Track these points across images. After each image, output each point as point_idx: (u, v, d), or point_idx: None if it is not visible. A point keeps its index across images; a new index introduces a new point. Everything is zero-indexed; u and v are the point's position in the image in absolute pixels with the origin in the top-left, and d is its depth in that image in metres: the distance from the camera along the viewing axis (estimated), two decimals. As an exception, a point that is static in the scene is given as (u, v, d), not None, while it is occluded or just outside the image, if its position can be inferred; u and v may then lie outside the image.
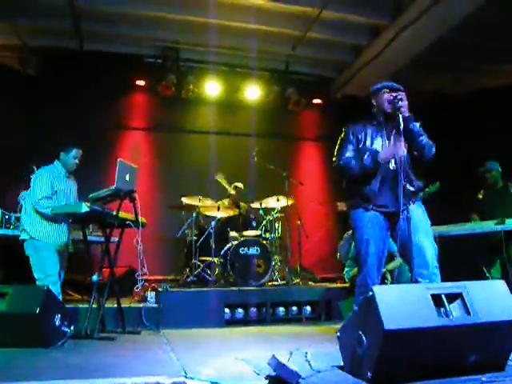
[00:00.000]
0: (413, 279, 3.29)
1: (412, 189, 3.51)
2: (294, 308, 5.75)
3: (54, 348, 3.70)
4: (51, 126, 7.09)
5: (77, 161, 4.82)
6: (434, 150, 3.60)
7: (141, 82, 8.13)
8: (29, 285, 4.40)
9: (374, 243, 3.57)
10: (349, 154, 3.67)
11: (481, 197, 6.24)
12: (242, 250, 6.12)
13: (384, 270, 5.51)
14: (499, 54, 7.35)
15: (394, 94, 3.52)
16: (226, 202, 7.16)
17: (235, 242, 6.20)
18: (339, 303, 5.73)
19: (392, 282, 5.54)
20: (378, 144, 3.63)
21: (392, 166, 3.57)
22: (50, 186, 4.62)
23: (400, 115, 3.43)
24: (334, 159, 3.78)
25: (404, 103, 3.48)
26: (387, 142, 3.63)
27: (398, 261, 5.44)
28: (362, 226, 3.63)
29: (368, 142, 3.65)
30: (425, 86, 8.29)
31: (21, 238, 4.66)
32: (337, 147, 3.81)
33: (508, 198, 5.99)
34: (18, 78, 7.39)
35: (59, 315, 3.90)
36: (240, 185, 7.27)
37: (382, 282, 5.46)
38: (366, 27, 7.40)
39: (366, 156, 3.54)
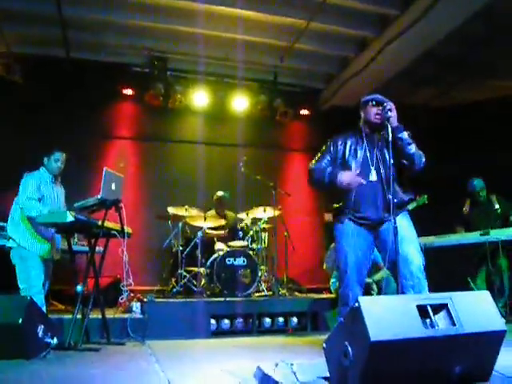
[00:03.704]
0: (399, 289, 3.29)
1: (396, 201, 3.52)
2: (281, 319, 5.71)
3: (37, 360, 3.64)
4: (37, 133, 7.03)
5: (59, 164, 4.79)
6: (423, 159, 3.61)
7: (128, 91, 8.10)
8: (12, 295, 4.33)
9: (353, 254, 3.58)
10: (324, 163, 3.75)
11: (466, 210, 6.31)
12: (229, 261, 6.09)
13: (370, 280, 5.54)
14: (484, 68, 7.47)
15: (384, 105, 3.55)
16: (212, 212, 7.14)
17: (221, 253, 6.17)
18: (326, 314, 5.71)
19: (378, 293, 5.56)
20: (357, 156, 3.67)
21: (372, 177, 3.60)
22: (38, 189, 4.60)
23: (389, 125, 3.46)
24: (311, 164, 3.84)
25: (393, 113, 3.51)
26: (368, 154, 3.66)
27: (384, 271, 5.45)
28: (342, 238, 3.65)
29: (347, 154, 3.69)
30: (412, 99, 8.39)
31: (7, 245, 4.63)
32: (316, 156, 3.86)
33: (492, 211, 6.07)
34: (2, 86, 7.33)
35: (42, 326, 3.84)
36: (221, 193, 7.26)
37: (368, 292, 5.50)
38: (354, 39, 7.48)
39: (327, 173, 3.61)
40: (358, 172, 3.59)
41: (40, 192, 4.62)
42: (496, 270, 5.75)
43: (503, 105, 7.72)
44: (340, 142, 3.76)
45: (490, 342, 2.54)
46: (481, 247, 5.72)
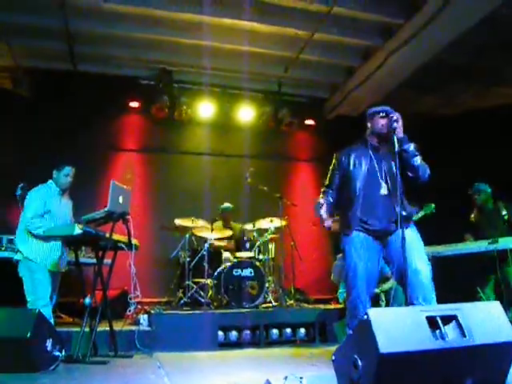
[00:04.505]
0: (408, 301, 3.27)
1: (404, 213, 3.50)
2: (288, 330, 5.67)
3: (45, 373, 3.63)
4: (44, 146, 7.09)
5: (69, 179, 4.82)
6: (428, 171, 3.61)
7: (134, 104, 8.14)
8: (20, 308, 4.34)
9: (363, 266, 3.56)
10: (334, 184, 3.82)
11: (473, 218, 6.28)
12: (236, 272, 6.08)
13: (378, 290, 5.50)
14: (488, 75, 7.46)
15: (390, 115, 3.55)
16: (219, 223, 7.13)
17: (228, 264, 6.16)
18: (334, 325, 5.67)
19: (386, 303, 5.52)
20: (361, 169, 3.66)
21: (384, 191, 3.58)
22: (43, 205, 4.61)
23: (395, 136, 3.46)
24: (326, 183, 3.90)
25: (399, 124, 3.51)
26: (376, 167, 3.65)
27: (393, 281, 5.42)
28: (351, 249, 3.63)
29: (351, 167, 3.70)
30: (416, 108, 8.37)
31: (15, 258, 4.64)
32: (328, 173, 3.91)
33: (499, 218, 6.03)
34: (10, 99, 7.39)
35: (51, 339, 3.84)
36: (226, 205, 7.26)
37: (377, 303, 5.46)
38: (358, 49, 7.50)
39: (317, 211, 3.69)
40: (361, 186, 3.60)
41: (46, 207, 4.63)
42: (504, 278, 5.71)
43: (509, 111, 7.69)
44: (344, 158, 3.77)
45: (501, 354, 2.52)
46: (489, 256, 5.68)
